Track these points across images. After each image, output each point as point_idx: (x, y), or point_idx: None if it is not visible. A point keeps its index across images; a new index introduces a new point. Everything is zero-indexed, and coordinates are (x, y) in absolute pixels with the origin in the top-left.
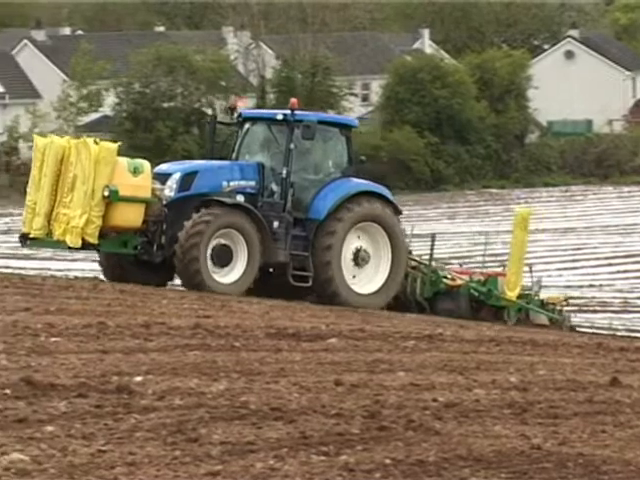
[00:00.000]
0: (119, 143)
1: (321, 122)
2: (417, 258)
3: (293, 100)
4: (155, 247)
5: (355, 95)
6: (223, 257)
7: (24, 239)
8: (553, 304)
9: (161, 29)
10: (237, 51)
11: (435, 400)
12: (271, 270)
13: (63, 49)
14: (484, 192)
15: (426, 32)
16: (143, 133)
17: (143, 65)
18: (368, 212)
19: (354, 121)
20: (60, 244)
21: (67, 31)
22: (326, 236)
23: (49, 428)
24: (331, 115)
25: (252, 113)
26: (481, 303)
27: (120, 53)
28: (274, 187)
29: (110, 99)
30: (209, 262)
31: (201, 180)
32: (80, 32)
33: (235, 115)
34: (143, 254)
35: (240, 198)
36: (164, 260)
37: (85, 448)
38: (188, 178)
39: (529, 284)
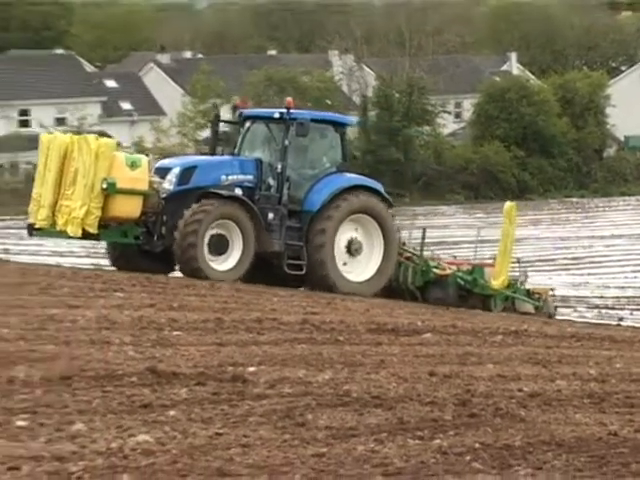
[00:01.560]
0: (117, 139)
1: (316, 120)
2: (409, 249)
3: (289, 100)
4: (156, 237)
5: (448, 112)
6: (219, 246)
7: (30, 229)
8: (539, 294)
9: (273, 52)
10: (342, 72)
11: (520, 390)
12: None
13: (185, 70)
14: (566, 201)
15: (513, 55)
16: None
17: (255, 85)
18: (361, 204)
19: (348, 119)
20: (62, 234)
21: (188, 55)
22: (319, 226)
23: (171, 413)
24: (326, 113)
25: (252, 112)
26: (469, 292)
27: (235, 74)
28: (271, 181)
29: (226, 116)
30: (206, 250)
31: (200, 174)
32: (200, 55)
33: (237, 114)
34: (145, 244)
35: (238, 191)
36: (165, 249)
37: (204, 431)
38: (187, 172)
39: (517, 275)
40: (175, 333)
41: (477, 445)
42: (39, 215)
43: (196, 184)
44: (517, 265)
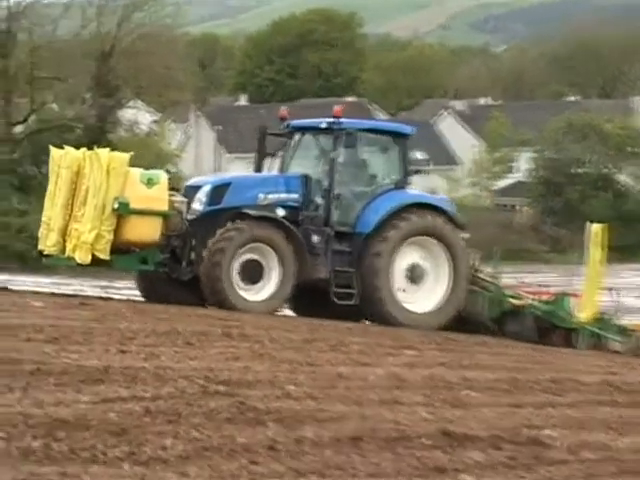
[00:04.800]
0: (131, 153)
1: (370, 130)
2: (483, 275)
3: (337, 108)
4: (184, 264)
5: None
6: (253, 273)
7: (40, 256)
8: (632, 331)
9: (572, 98)
10: None
11: None
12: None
13: (479, 117)
14: None
15: None
16: (554, 197)
17: (555, 132)
18: (424, 225)
19: (408, 129)
20: (71, 260)
21: (482, 101)
22: (373, 249)
23: (465, 476)
24: (383, 122)
25: (299, 123)
26: (552, 326)
27: (532, 121)
28: (318, 200)
29: (523, 165)
30: (236, 278)
31: (234, 193)
32: (493, 102)
33: (284, 125)
34: (172, 271)
35: (280, 212)
36: (195, 277)
37: None
38: (219, 191)
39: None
40: (468, 393)
41: None
42: (48, 241)
43: (229, 204)
44: (609, 295)
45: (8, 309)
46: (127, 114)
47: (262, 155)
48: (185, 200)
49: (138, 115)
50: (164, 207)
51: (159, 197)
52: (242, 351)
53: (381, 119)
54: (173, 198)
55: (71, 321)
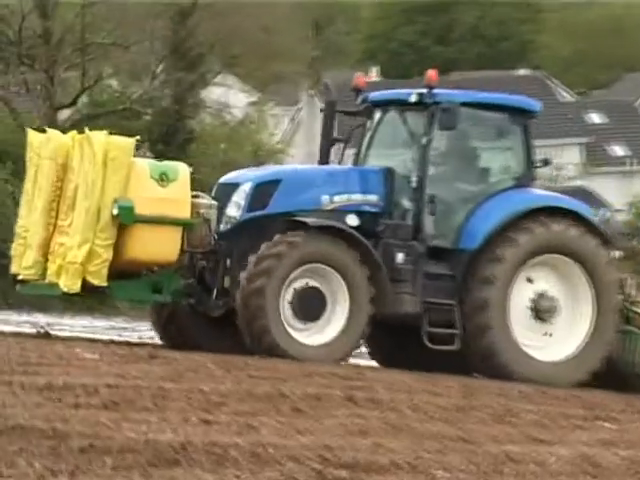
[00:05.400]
0: (137, 138)
1: (479, 105)
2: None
3: (431, 72)
4: (215, 293)
5: None
6: (310, 306)
7: (15, 283)
8: None
9: None
10: None
11: None
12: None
13: None
14: None
15: None
16: None
17: None
18: (554, 238)
19: (533, 104)
20: (53, 288)
21: None
22: (483, 273)
23: None
24: (498, 95)
25: (380, 96)
26: None
27: None
28: (406, 203)
29: None
30: (287, 314)
31: (285, 193)
32: None
33: (359, 99)
34: (197, 304)
35: (352, 220)
36: (230, 312)
37: None
38: (265, 190)
39: None
40: None
41: None
42: (24, 260)
43: (278, 208)
44: None
45: (51, 363)
46: (214, 94)
47: (329, 141)
48: (215, 204)
49: (229, 95)
50: (184, 213)
51: (177, 199)
52: (371, 422)
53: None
54: (198, 201)
55: (136, 380)
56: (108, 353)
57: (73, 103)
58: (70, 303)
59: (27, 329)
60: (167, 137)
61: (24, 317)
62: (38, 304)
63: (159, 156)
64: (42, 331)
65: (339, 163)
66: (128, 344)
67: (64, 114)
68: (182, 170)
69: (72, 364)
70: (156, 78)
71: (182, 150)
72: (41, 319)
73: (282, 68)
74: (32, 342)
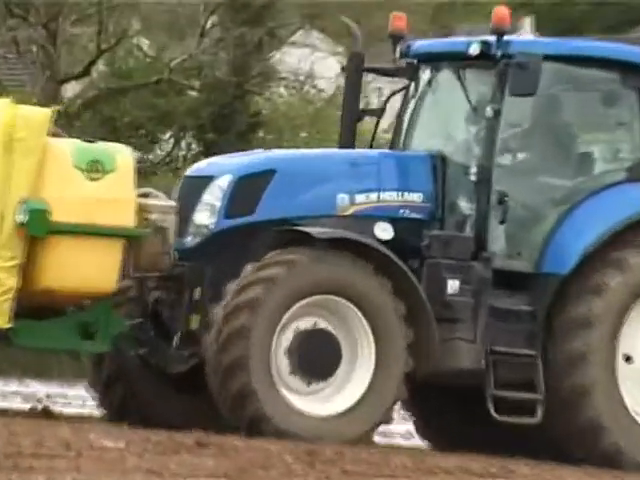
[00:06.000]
0: (56, 108)
1: (568, 59)
2: None
3: (500, 10)
4: (177, 339)
5: None
6: (317, 359)
7: None
8: None
9: None
10: None
11: None
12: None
13: None
14: None
15: None
16: None
17: None
18: None
19: None
20: None
21: None
22: (577, 309)
23: None
24: (601, 44)
25: (430, 47)
26: None
27: None
28: (463, 205)
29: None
30: (283, 369)
31: (281, 191)
32: None
33: (398, 51)
34: (150, 355)
35: (384, 230)
36: (198, 368)
37: None
38: (252, 185)
39: None
40: None
41: None
42: None
43: (271, 214)
44: None
45: (53, 454)
46: (290, 57)
47: (355, 113)
48: (176, 206)
49: (314, 61)
50: (127, 220)
51: (116, 199)
52: None
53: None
54: (149, 202)
55: (178, 478)
56: (137, 440)
57: (85, 73)
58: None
59: (18, 404)
60: (222, 121)
61: (13, 386)
62: (33, 367)
63: (209, 148)
64: (40, 407)
65: (370, 146)
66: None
67: (72, 88)
68: (123, 156)
69: (84, 455)
70: (206, 36)
71: (243, 140)
72: (39, 389)
73: (387, 22)
74: (26, 423)
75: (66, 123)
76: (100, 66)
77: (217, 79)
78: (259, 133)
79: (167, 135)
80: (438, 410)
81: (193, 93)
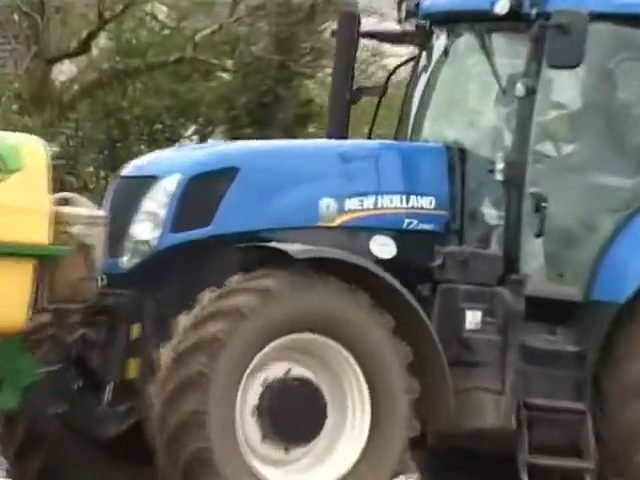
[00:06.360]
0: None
1: (623, 19)
2: None
3: None
4: (109, 392)
5: None
6: (295, 418)
7: None
8: None
9: None
10: None
11: None
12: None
13: None
14: None
15: None
16: None
17: None
18: None
19: None
20: None
21: None
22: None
23: None
24: None
25: (445, 4)
26: None
27: None
28: (489, 212)
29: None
30: (250, 430)
31: (246, 195)
32: None
33: (405, 10)
34: (72, 415)
35: (383, 246)
36: (134, 431)
37: None
38: (208, 188)
39: None
40: None
41: None
42: None
43: (233, 226)
44: None
45: None
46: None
47: (348, 91)
48: (105, 216)
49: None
50: (39, 235)
51: (25, 208)
52: None
53: None
54: (68, 211)
55: None
56: None
57: (83, 49)
58: None
59: None
60: (262, 112)
61: None
62: None
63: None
64: None
65: (369, 136)
66: None
67: (66, 70)
68: (33, 150)
69: None
70: (241, 2)
71: (290, 136)
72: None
73: None
74: None
75: (58, 115)
76: (102, 40)
77: (255, 57)
78: (310, 128)
79: (190, 131)
80: (447, 468)
81: (224, 76)
